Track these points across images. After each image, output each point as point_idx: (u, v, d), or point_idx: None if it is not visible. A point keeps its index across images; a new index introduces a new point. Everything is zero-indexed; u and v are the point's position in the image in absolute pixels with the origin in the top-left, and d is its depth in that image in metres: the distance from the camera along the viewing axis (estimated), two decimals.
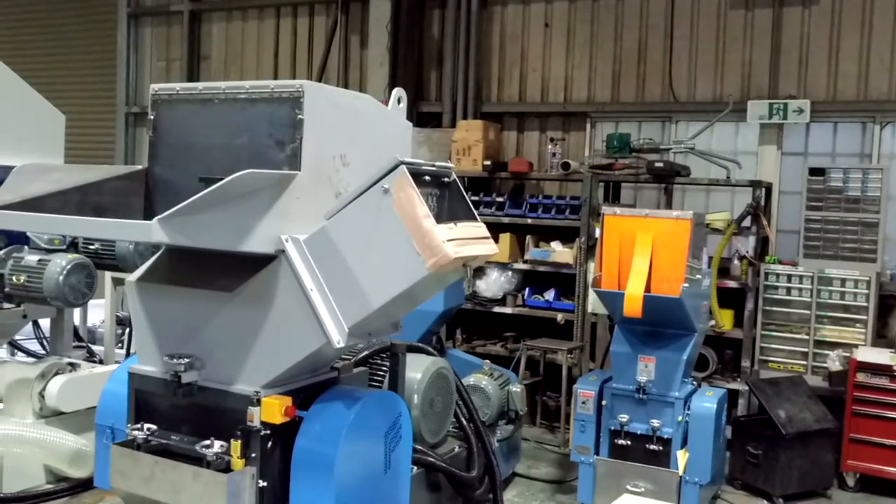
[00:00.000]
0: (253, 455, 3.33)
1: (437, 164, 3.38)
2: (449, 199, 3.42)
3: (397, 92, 3.85)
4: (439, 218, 3.18)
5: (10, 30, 12.63)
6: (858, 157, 7.98)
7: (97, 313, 8.68)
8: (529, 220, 8.26)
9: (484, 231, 3.36)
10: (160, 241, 2.95)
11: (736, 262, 7.70)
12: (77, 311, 7.83)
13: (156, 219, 2.87)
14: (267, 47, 10.85)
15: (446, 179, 3.43)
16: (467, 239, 3.23)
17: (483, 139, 8.59)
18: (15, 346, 8.11)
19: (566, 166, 8.11)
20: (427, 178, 3.30)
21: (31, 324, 7.71)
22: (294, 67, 10.55)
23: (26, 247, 5.84)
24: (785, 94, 8.07)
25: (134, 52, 11.79)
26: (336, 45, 10.14)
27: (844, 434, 6.54)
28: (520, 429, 6.33)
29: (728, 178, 7.87)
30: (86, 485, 5.49)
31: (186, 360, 3.41)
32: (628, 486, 5.36)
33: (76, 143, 11.83)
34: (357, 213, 3.23)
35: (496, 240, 3.47)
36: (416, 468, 4.26)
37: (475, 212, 3.44)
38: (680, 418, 5.35)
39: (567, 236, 8.23)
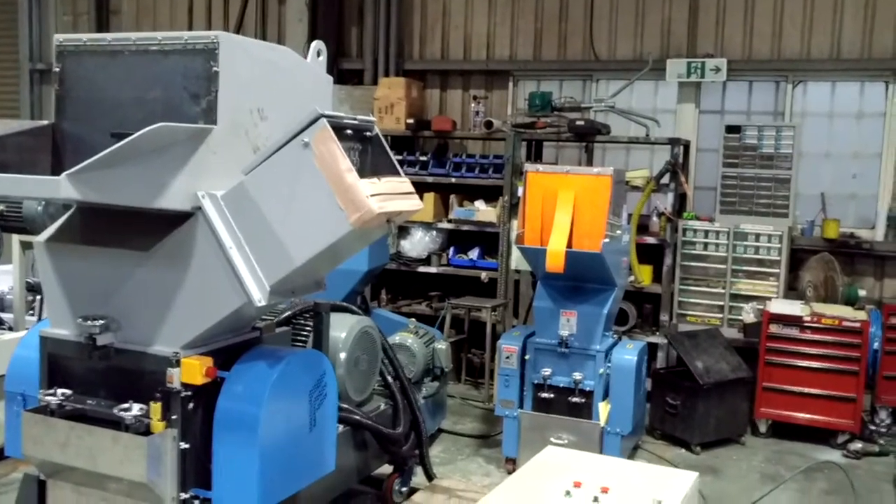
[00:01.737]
0: (174, 417, 3.27)
1: (359, 117, 3.32)
2: (371, 153, 3.37)
3: (316, 44, 3.76)
4: (362, 173, 3.13)
5: None
6: (772, 114, 8.19)
7: (4, 280, 8.34)
8: (453, 180, 8.25)
9: (408, 186, 3.33)
10: (69, 197, 2.82)
11: (655, 218, 7.86)
12: None
13: (64, 174, 2.75)
14: (181, 2, 10.47)
15: (368, 133, 3.38)
16: (391, 194, 3.19)
17: (406, 97, 8.51)
18: None
19: (489, 125, 8.10)
20: (349, 131, 3.24)
21: None
22: (209, 22, 10.22)
23: None
24: (702, 53, 8.20)
25: (37, 4, 11.21)
26: None
27: (758, 383, 6.79)
28: (445, 386, 6.37)
29: (647, 136, 7.99)
30: None
31: (101, 321, 3.31)
32: (552, 439, 5.45)
33: None
34: (276, 168, 3.15)
35: (420, 199, 3.43)
36: (342, 426, 4.24)
37: (399, 166, 3.40)
38: (601, 371, 5.46)
39: (491, 195, 8.26)
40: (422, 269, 8.44)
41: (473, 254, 8.31)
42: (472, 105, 8.63)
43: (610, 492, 3.73)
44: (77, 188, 2.80)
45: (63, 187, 2.76)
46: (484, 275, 8.04)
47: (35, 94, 11.18)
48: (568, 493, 3.70)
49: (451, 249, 8.44)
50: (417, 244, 8.35)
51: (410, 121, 8.42)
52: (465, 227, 8.27)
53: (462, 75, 9.22)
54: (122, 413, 3.27)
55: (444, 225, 8.34)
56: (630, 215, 7.21)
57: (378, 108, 8.52)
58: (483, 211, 8.15)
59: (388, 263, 6.85)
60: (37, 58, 11.18)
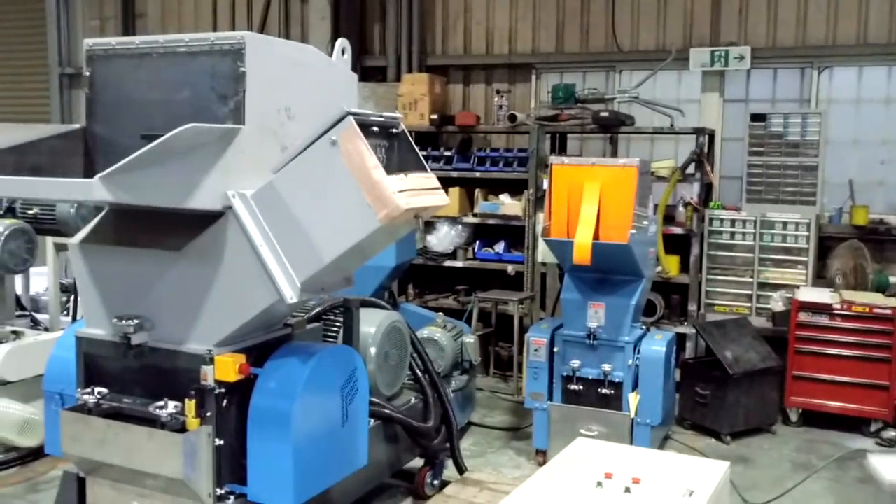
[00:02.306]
0: (208, 414, 3.33)
1: (385, 114, 3.35)
2: (398, 149, 3.41)
3: (341, 43, 3.79)
4: (389, 169, 3.16)
5: None
6: (798, 102, 8.10)
7: (39, 281, 8.48)
8: (478, 174, 8.26)
9: (434, 182, 3.36)
10: (102, 199, 2.89)
11: (681, 208, 7.82)
12: (19, 280, 7.63)
13: (97, 176, 2.81)
14: (205, 4, 10.55)
15: (394, 130, 3.41)
16: (418, 189, 3.22)
17: (429, 93, 8.52)
18: None
19: (513, 118, 8.10)
20: (375, 128, 3.28)
21: None
22: (233, 23, 10.29)
23: None
24: (726, 42, 8.14)
25: (64, 10, 11.35)
26: None
27: (787, 372, 6.74)
28: (474, 379, 6.40)
29: (672, 126, 7.94)
30: (36, 453, 5.41)
31: (135, 321, 3.38)
32: (582, 430, 5.46)
33: (8, 107, 11.46)
34: (305, 166, 3.20)
35: (445, 194, 3.46)
36: (373, 420, 4.28)
37: (425, 162, 3.43)
38: (630, 362, 5.45)
39: (515, 188, 8.25)
40: (448, 263, 8.46)
41: (499, 247, 8.32)
42: (496, 99, 8.62)
43: (641, 482, 3.73)
44: (110, 190, 2.86)
45: (97, 189, 2.82)
46: (510, 268, 8.05)
47: (64, 98, 11.32)
48: (599, 484, 3.71)
49: (477, 243, 8.45)
50: (443, 239, 8.37)
51: (434, 116, 8.44)
52: (491, 221, 8.27)
53: (485, 69, 9.22)
54: (158, 411, 3.34)
55: (470, 219, 8.35)
56: (656, 206, 7.17)
57: (402, 105, 8.54)
58: (508, 204, 8.15)
59: (415, 258, 6.88)
60: (65, 62, 11.32)
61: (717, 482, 3.63)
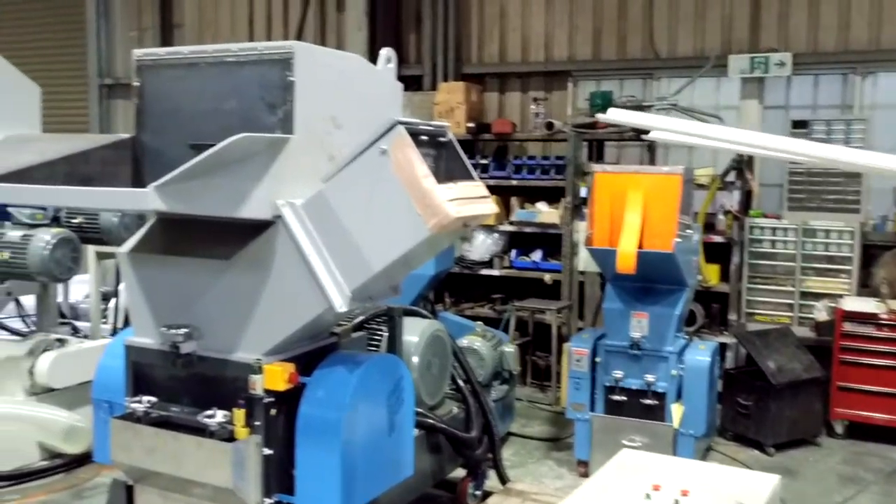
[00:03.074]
0: (257, 423, 3.32)
1: (433, 123, 3.34)
2: (446, 158, 3.39)
3: (386, 52, 3.79)
4: (438, 178, 3.14)
5: None
6: (840, 108, 7.99)
7: (78, 290, 8.58)
8: (514, 182, 8.23)
9: (483, 190, 3.34)
10: (157, 208, 2.89)
11: (721, 216, 7.74)
12: (59, 288, 7.72)
13: (151, 186, 2.82)
14: (241, 13, 10.65)
15: (442, 139, 3.40)
16: (467, 199, 3.20)
17: (465, 101, 8.52)
18: None
19: (550, 126, 8.06)
20: (424, 137, 3.27)
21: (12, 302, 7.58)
22: (269, 33, 10.37)
23: (7, 222, 5.73)
24: (766, 48, 8.05)
25: (104, 21, 11.52)
26: (312, 9, 9.97)
27: (832, 382, 6.63)
28: (513, 388, 6.36)
29: None
30: (81, 460, 5.46)
31: (184, 330, 3.38)
32: (624, 441, 5.39)
33: (50, 117, 11.60)
34: (355, 176, 3.19)
35: None
36: (417, 430, 4.25)
37: (473, 171, 3.41)
38: (674, 372, 5.39)
39: (552, 196, 8.21)
40: (484, 271, 8.44)
41: (536, 256, 8.28)
42: (532, 106, 8.59)
43: (690, 495, 3.67)
44: (164, 199, 2.87)
45: (151, 199, 2.82)
46: (547, 277, 8.01)
47: (103, 107, 11.48)
48: (648, 496, 3.66)
49: (514, 252, 8.42)
50: (479, 247, 8.35)
51: (470, 124, 8.43)
52: (528, 229, 8.24)
53: (521, 77, 9.19)
54: (207, 420, 3.34)
55: (506, 227, 8.32)
56: (696, 214, 7.10)
57: (438, 113, 8.54)
58: (545, 212, 8.11)
59: (453, 267, 6.86)
60: (105, 73, 11.48)
61: (768, 496, 3.56)
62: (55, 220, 5.89)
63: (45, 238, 5.50)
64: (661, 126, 3.48)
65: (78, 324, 8.52)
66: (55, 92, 11.48)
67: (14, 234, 5.59)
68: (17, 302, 7.86)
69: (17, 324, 8.16)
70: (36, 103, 6.47)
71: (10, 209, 5.67)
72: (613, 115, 3.18)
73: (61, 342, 5.89)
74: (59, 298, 8.14)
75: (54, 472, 5.49)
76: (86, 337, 7.33)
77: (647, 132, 4.87)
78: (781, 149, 3.14)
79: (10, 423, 5.24)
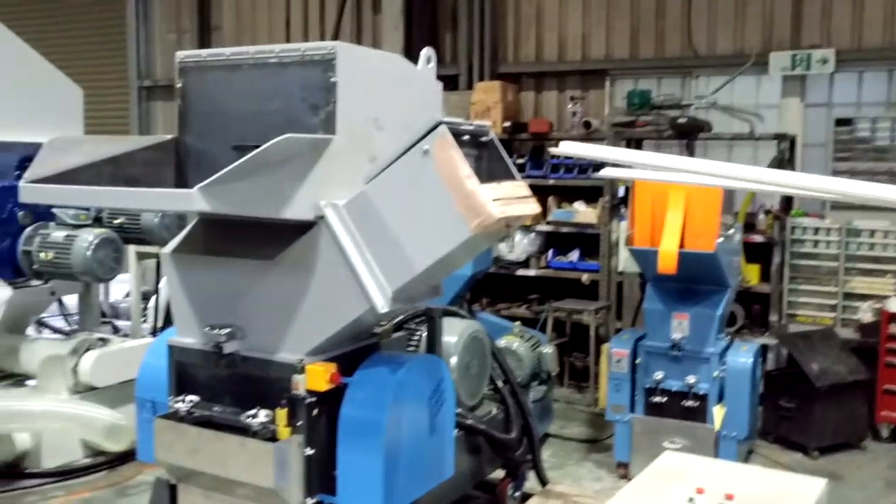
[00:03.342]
0: (299, 423, 3.32)
1: (475, 122, 3.32)
2: (488, 158, 3.37)
3: (426, 52, 3.77)
4: (480, 178, 3.12)
5: (18, 4, 12.50)
6: (885, 105, 7.83)
7: (118, 289, 8.70)
8: (551, 181, 8.18)
9: (525, 190, 3.31)
10: (202, 209, 2.90)
11: (761, 216, 7.63)
12: (100, 287, 7.83)
13: (196, 187, 2.83)
14: (278, 15, 10.72)
15: (484, 139, 3.38)
16: (510, 199, 3.17)
17: (501, 100, 8.49)
18: (41, 324, 8.14)
19: (587, 125, 8.01)
20: (466, 137, 3.25)
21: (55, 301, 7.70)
22: (306, 34, 10.43)
23: (52, 223, 5.81)
24: (808, 45, 7.91)
25: (144, 24, 11.66)
26: (348, 10, 10.00)
27: (877, 385, 6.50)
28: (552, 389, 6.32)
29: (751, 132, 7.76)
30: (123, 458, 5.53)
31: (227, 330, 3.39)
32: (665, 443, 5.34)
33: (91, 118, 11.78)
34: (397, 176, 3.18)
35: None
36: (456, 431, 4.23)
37: (515, 170, 3.38)
38: (716, 374, 5.32)
39: (590, 196, 8.15)
40: (520, 272, 8.40)
41: (573, 256, 8.23)
42: (570, 106, 8.55)
43: (735, 499, 3.62)
44: (208, 200, 2.87)
45: (196, 200, 2.83)
46: (585, 277, 7.95)
47: (143, 109, 11.63)
48: (691, 500, 3.61)
49: (550, 252, 8.37)
50: (516, 247, 8.32)
51: (507, 124, 8.40)
52: (564, 229, 8.19)
53: (557, 76, 9.14)
54: (249, 419, 3.35)
55: (543, 227, 8.28)
56: (736, 213, 7.01)
57: (474, 113, 8.52)
58: (583, 212, 8.06)
59: (490, 267, 6.84)
60: (144, 75, 11.62)
61: (815, 501, 3.50)
62: (97, 221, 5.97)
63: (87, 238, 5.58)
64: (621, 158, 3.41)
65: (118, 323, 8.66)
66: (96, 94, 11.64)
67: (58, 234, 5.68)
68: (60, 301, 8.01)
69: (59, 322, 8.33)
70: (79, 105, 6.58)
71: (54, 210, 5.76)
72: (568, 149, 3.15)
73: (103, 341, 5.97)
74: (100, 298, 8.27)
75: (98, 470, 5.57)
76: (126, 336, 7.43)
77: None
78: (762, 180, 3.06)
79: (54, 421, 5.32)
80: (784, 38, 8.07)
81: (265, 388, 3.40)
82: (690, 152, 8.38)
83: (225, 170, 2.81)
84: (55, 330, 8.20)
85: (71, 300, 7.29)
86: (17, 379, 6.08)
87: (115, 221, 6.09)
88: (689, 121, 7.57)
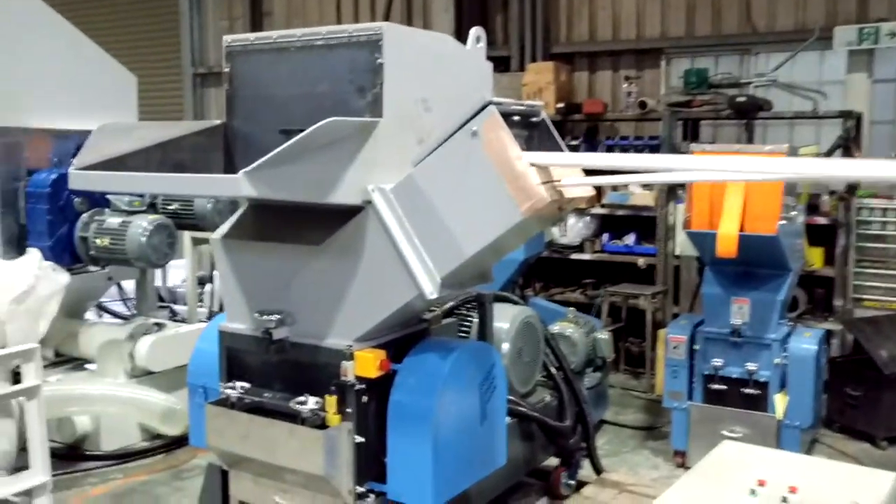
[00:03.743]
0: (348, 410, 3.28)
1: (526, 103, 3.22)
2: (539, 139, 3.27)
3: (476, 31, 3.68)
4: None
5: None
6: None
7: (176, 274, 8.82)
8: None
9: (579, 172, 3.20)
10: (248, 194, 2.87)
11: (825, 197, 7.36)
12: (158, 272, 7.95)
13: (242, 172, 2.79)
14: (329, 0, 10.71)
15: (535, 119, 3.29)
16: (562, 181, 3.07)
17: (554, 81, 8.34)
18: (102, 309, 8.29)
19: (643, 105, 7.82)
20: (516, 118, 3.16)
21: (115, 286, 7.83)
22: (356, 18, 10.39)
23: (107, 209, 5.88)
24: (875, 18, 7.58)
25: (196, 12, 11.76)
26: None
27: None
28: (607, 376, 6.21)
29: (815, 109, 7.48)
30: (179, 441, 5.59)
31: (277, 316, 3.36)
32: (724, 432, 5.19)
33: (146, 107, 11.96)
34: (445, 159, 3.10)
35: None
36: (509, 418, 4.16)
37: (568, 152, 3.28)
38: (777, 361, 5.15)
39: None
40: (574, 256, 8.27)
41: (629, 239, 8.06)
42: (624, 85, 8.36)
43: (799, 492, 3.47)
44: (254, 185, 2.83)
45: (242, 185, 2.79)
46: (641, 261, 7.78)
47: (197, 96, 11.75)
48: (753, 492, 3.49)
49: (605, 235, 8.22)
50: (570, 231, 8.18)
51: (560, 105, 8.26)
52: (620, 212, 8.03)
53: (611, 56, 8.95)
54: (299, 406, 3.32)
55: (598, 210, 8.13)
56: (799, 194, 6.76)
57: (526, 94, 8.40)
58: (638, 195, 7.88)
59: (543, 251, 6.73)
60: (198, 62, 11.74)
61: (885, 495, 3.34)
62: (152, 207, 6.03)
63: (142, 224, 5.63)
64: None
65: (176, 307, 8.78)
66: (151, 82, 11.81)
67: (113, 220, 5.74)
68: (119, 286, 8.14)
69: (119, 307, 8.48)
70: (132, 93, 6.64)
71: (109, 196, 5.82)
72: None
73: (159, 326, 6.03)
74: (158, 282, 8.39)
75: (155, 453, 5.65)
76: (183, 321, 7.53)
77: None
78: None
79: (112, 405, 5.39)
80: (849, 11, 7.76)
81: (314, 375, 3.37)
82: (749, 132, 8.13)
83: (269, 154, 2.77)
84: (115, 314, 8.34)
85: (130, 285, 7.39)
86: (76, 363, 6.18)
87: (170, 207, 6.14)
88: (749, 99, 7.33)
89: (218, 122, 3.69)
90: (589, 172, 3.29)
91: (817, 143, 7.65)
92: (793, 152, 5.17)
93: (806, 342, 5.22)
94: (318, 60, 3.35)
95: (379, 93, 3.17)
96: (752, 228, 4.84)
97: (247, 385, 3.54)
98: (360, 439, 3.31)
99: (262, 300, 3.48)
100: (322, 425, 3.28)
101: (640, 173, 3.34)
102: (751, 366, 5.19)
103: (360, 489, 3.35)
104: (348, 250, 3.24)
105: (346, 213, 3.22)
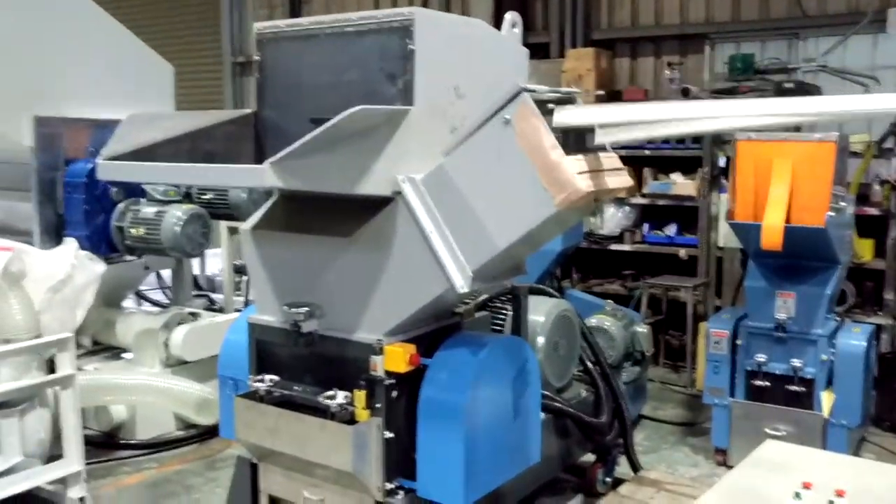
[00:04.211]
0: (378, 405, 3.22)
1: (562, 89, 3.11)
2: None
3: (511, 16, 3.58)
4: (566, 149, 2.92)
5: None
6: None
7: (215, 262, 8.84)
8: (647, 152, 7.82)
9: (616, 162, 3.09)
10: (273, 185, 2.81)
11: (876, 187, 7.10)
12: (196, 261, 7.96)
13: (267, 162, 2.73)
14: None
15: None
16: (599, 171, 2.96)
17: (595, 67, 8.17)
18: (141, 297, 8.35)
19: (686, 92, 7.59)
20: (551, 105, 3.04)
21: (153, 274, 7.87)
22: (395, 3, 10.29)
23: (143, 199, 5.89)
24: None
25: (236, 1, 11.77)
26: None
27: None
28: (646, 370, 6.05)
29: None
30: (213, 431, 5.58)
31: (306, 308, 3.30)
32: (767, 430, 5.03)
33: (185, 96, 12.01)
34: (477, 148, 3.01)
35: None
36: (543, 414, 4.06)
37: None
38: (824, 357, 4.96)
39: (688, 167, 7.77)
40: (614, 246, 8.11)
41: (670, 230, 7.87)
42: (666, 72, 8.12)
43: (846, 496, 3.33)
44: (280, 176, 2.77)
45: (267, 176, 2.74)
46: (682, 252, 7.60)
47: (237, 85, 11.77)
48: (797, 495, 3.35)
49: (646, 226, 8.04)
50: (609, 221, 8.02)
51: (600, 92, 8.08)
52: (661, 202, 7.84)
53: (653, 41, 8.74)
54: (328, 401, 3.27)
55: (638, 200, 7.95)
56: (849, 184, 6.53)
57: (566, 81, 8.22)
58: (680, 184, 7.69)
59: (581, 242, 6.59)
60: (237, 51, 11.75)
61: None
62: (187, 196, 6.01)
63: (176, 214, 5.62)
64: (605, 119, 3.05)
65: (214, 296, 8.81)
66: (191, 71, 11.88)
67: (148, 210, 5.74)
68: (158, 275, 8.19)
69: (157, 295, 8.53)
70: (169, 82, 6.62)
71: (144, 186, 5.82)
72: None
73: (194, 316, 6.03)
74: (196, 271, 8.42)
75: (189, 442, 5.65)
76: (221, 310, 7.54)
77: None
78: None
79: (147, 394, 5.40)
80: None
81: (344, 369, 3.32)
82: None
83: (295, 144, 2.70)
84: (154, 303, 8.39)
85: (169, 273, 7.42)
86: (114, 352, 6.21)
87: (204, 197, 6.13)
88: (797, 86, 7.07)
89: (248, 111, 3.64)
90: (628, 161, 3.17)
91: (868, 132, 7.39)
92: (843, 141, 4.97)
93: (855, 338, 5.03)
94: (349, 47, 3.28)
95: (410, 80, 3.09)
96: (798, 220, 4.66)
97: (276, 378, 3.50)
98: (389, 435, 3.25)
99: (291, 292, 3.43)
100: (351, 420, 3.23)
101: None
102: (796, 362, 5.01)
103: (390, 486, 3.29)
104: (378, 242, 3.17)
105: (376, 205, 3.15)
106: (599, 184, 2.93)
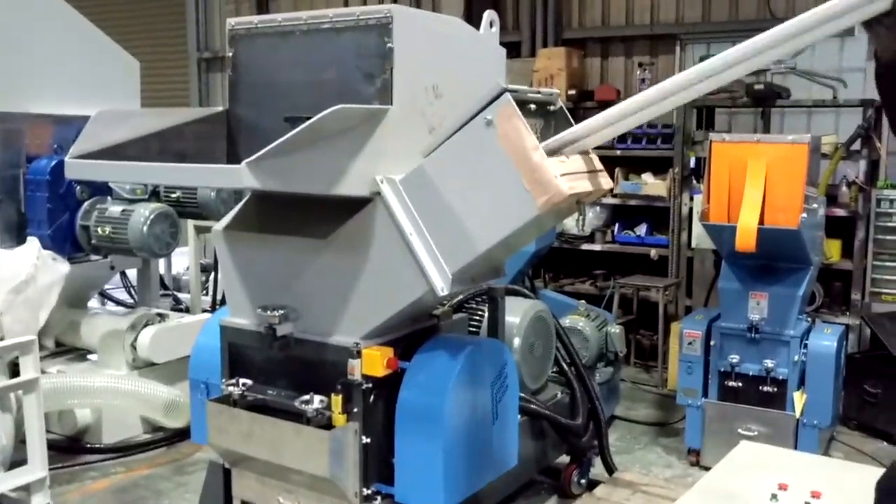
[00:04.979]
0: (355, 410, 3.17)
1: (542, 90, 3.08)
2: (555, 129, 3.13)
3: (489, 15, 3.54)
4: (548, 150, 2.88)
5: None
6: None
7: (181, 261, 8.70)
8: (618, 152, 7.82)
9: (597, 163, 3.07)
10: (250, 186, 2.74)
11: (844, 188, 7.18)
12: (162, 260, 7.82)
13: (244, 162, 2.65)
14: None
15: (552, 108, 3.15)
16: (580, 173, 2.93)
17: (566, 67, 8.15)
18: (105, 297, 8.19)
19: None
20: (532, 106, 3.02)
21: (118, 273, 7.71)
22: (364, 2, 10.19)
23: (109, 198, 5.76)
24: None
25: None
26: None
27: None
28: (619, 371, 6.07)
29: (835, 98, 7.28)
30: (182, 434, 5.47)
31: (281, 311, 3.23)
32: (740, 430, 5.06)
33: (150, 92, 11.80)
34: (457, 149, 2.96)
35: None
36: (520, 416, 4.03)
37: None
38: (796, 358, 5.00)
39: (659, 167, 7.79)
40: (585, 246, 8.11)
41: (641, 230, 7.89)
42: (638, 72, 8.16)
43: (823, 497, 3.35)
44: (257, 176, 2.70)
45: (244, 176, 2.66)
46: (653, 252, 7.62)
47: (203, 81, 11.58)
48: (774, 496, 3.37)
49: (617, 226, 8.05)
50: (580, 221, 8.01)
51: (572, 92, 8.07)
52: (632, 202, 7.85)
53: (624, 42, 8.75)
54: (304, 405, 3.20)
55: (609, 200, 7.94)
56: (818, 185, 6.59)
57: (537, 81, 8.21)
58: (651, 184, 7.71)
59: (554, 243, 6.57)
60: (203, 47, 11.56)
61: None
62: (154, 195, 5.89)
63: (143, 214, 5.51)
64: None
65: (180, 295, 8.67)
66: (155, 67, 11.66)
67: (114, 209, 5.62)
68: (123, 274, 8.03)
69: (123, 295, 8.37)
70: (135, 78, 6.49)
71: (111, 184, 5.69)
72: None
73: (162, 317, 5.91)
74: (162, 270, 8.27)
75: (157, 446, 5.53)
76: (187, 309, 7.41)
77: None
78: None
79: (114, 397, 5.27)
80: None
81: (320, 373, 3.26)
82: (766, 121, 7.95)
83: (272, 144, 2.63)
84: (119, 303, 8.24)
85: (134, 272, 7.27)
86: (78, 353, 6.07)
87: (173, 196, 6.01)
88: (766, 87, 7.14)
89: (220, 109, 3.56)
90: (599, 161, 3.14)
91: (836, 133, 7.47)
92: (815, 142, 5.01)
93: (826, 339, 5.07)
94: (325, 45, 3.22)
95: (388, 79, 3.03)
96: (772, 221, 4.68)
97: (249, 382, 3.42)
98: (366, 440, 3.19)
99: (265, 295, 3.35)
100: (328, 425, 3.17)
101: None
102: (769, 363, 5.04)
103: (367, 491, 3.24)
104: (355, 244, 3.11)
105: (354, 205, 3.08)
106: (581, 185, 2.90)
